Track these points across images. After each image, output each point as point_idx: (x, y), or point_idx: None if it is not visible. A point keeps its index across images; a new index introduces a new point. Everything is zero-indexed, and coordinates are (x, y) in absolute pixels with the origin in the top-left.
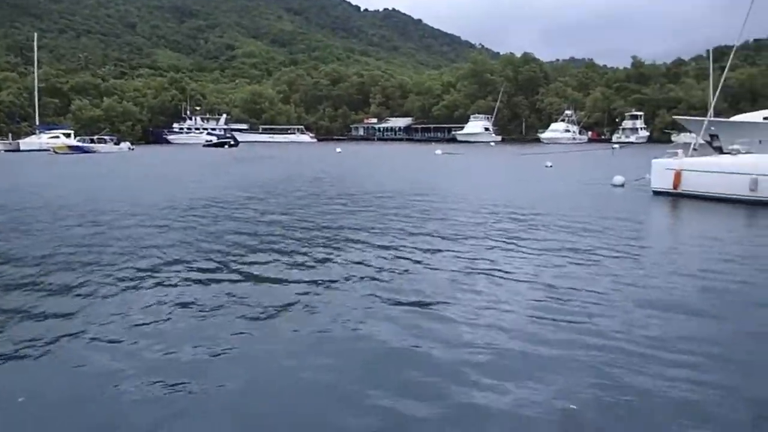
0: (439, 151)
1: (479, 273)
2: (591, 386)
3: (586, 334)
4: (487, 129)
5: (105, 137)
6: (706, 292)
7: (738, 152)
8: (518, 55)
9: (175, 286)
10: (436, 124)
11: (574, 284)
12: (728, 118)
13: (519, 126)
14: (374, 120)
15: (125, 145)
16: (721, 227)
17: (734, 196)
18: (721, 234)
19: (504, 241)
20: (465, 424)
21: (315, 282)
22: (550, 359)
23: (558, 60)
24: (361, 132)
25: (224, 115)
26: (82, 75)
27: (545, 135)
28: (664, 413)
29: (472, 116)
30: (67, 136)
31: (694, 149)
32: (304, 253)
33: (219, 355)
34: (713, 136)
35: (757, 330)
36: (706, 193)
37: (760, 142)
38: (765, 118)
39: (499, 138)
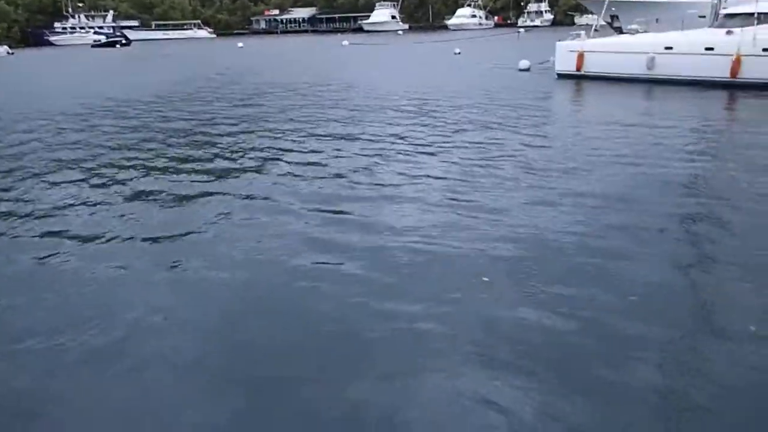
0: (346, 42)
1: (393, 172)
2: (504, 267)
3: (498, 226)
4: (393, 17)
5: None
6: (611, 176)
7: (636, 32)
8: None
9: (73, 205)
10: (342, 14)
11: (484, 176)
12: None
13: (426, 13)
14: (276, 11)
15: (3, 50)
16: (621, 108)
17: (633, 75)
18: (621, 115)
19: (417, 134)
20: (386, 316)
21: (229, 192)
22: (463, 253)
23: None
24: (262, 25)
25: (111, 12)
26: None
27: (452, 21)
28: (565, 288)
29: (377, 4)
30: None
31: (596, 30)
32: (215, 160)
33: (126, 279)
34: (614, 17)
35: (661, 209)
36: (607, 73)
37: (657, 20)
38: None
39: (406, 26)
